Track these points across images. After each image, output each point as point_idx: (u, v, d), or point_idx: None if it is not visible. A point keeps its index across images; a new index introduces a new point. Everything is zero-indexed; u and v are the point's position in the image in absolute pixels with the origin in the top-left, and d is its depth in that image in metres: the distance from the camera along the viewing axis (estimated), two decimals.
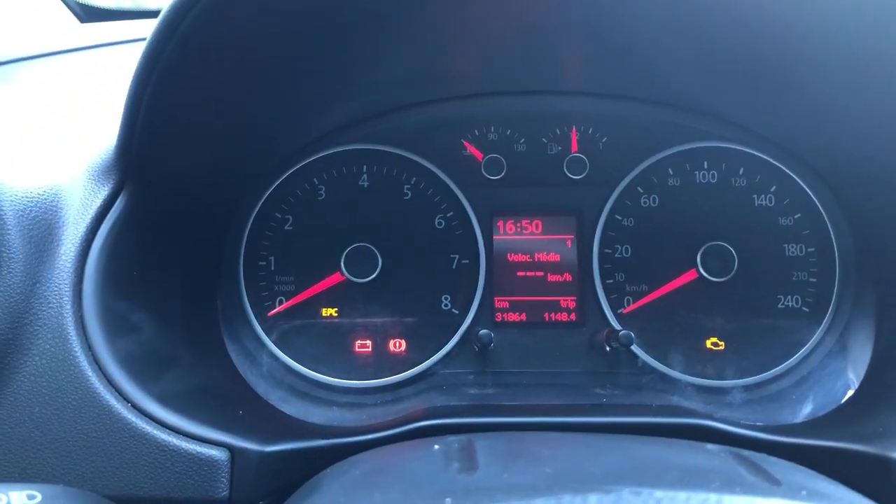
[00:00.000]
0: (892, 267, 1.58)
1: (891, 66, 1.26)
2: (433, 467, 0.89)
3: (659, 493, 0.67)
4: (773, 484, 0.81)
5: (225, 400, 1.39)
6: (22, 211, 1.18)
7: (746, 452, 0.96)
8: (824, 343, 1.65)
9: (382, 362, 1.68)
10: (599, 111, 1.76)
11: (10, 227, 1.16)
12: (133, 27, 1.97)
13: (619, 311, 1.70)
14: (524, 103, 1.77)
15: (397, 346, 1.69)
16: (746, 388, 1.64)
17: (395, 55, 1.51)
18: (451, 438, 1.01)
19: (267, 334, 1.67)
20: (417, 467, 0.91)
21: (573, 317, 1.72)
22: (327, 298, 1.70)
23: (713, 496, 0.68)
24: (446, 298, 1.71)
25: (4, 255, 1.14)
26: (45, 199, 1.22)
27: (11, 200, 1.18)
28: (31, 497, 0.78)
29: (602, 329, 1.66)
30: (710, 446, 0.99)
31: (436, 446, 0.97)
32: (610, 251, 1.72)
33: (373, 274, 1.70)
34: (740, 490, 0.76)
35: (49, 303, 1.15)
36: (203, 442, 1.11)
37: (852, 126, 1.47)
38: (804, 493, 0.79)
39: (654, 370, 1.66)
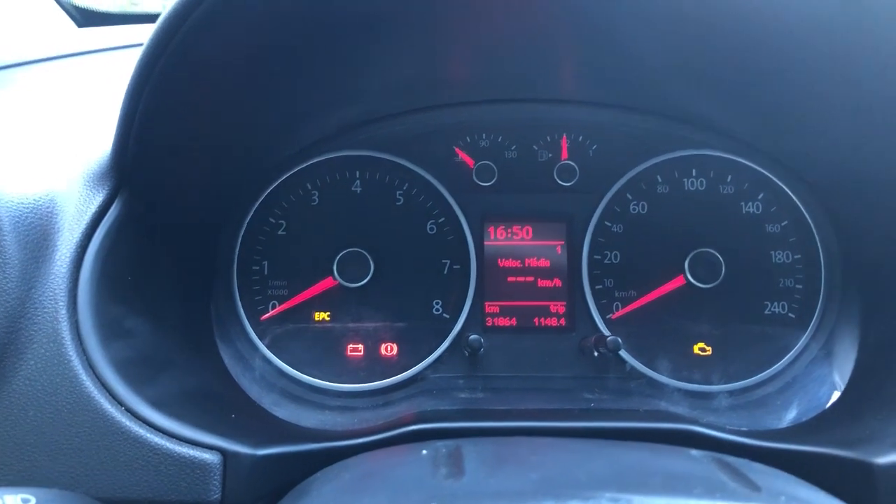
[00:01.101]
0: (876, 274, 1.60)
1: (875, 77, 1.27)
2: (421, 472, 0.90)
3: (637, 500, 0.69)
4: (753, 490, 0.83)
5: (218, 403, 1.39)
6: (17, 216, 1.19)
7: (729, 458, 0.98)
8: (809, 349, 1.68)
9: (374, 366, 1.69)
10: (590, 119, 1.78)
11: (5, 233, 1.16)
12: (130, 32, 1.98)
13: (607, 316, 1.72)
14: (515, 111, 1.79)
15: (389, 350, 1.70)
16: (732, 393, 1.66)
17: (387, 63, 1.51)
18: (440, 444, 1.02)
19: (260, 338, 1.68)
20: (405, 472, 0.92)
21: (563, 322, 1.73)
22: (320, 303, 1.71)
23: (694, 502, 0.70)
24: (437, 303, 1.72)
25: (0, 260, 1.15)
26: (41, 205, 1.23)
27: (7, 206, 1.19)
28: (25, 500, 0.79)
29: (591, 334, 1.69)
30: (694, 452, 1.01)
31: (424, 451, 0.99)
32: (599, 257, 1.74)
33: (365, 279, 1.71)
34: (720, 496, 0.77)
35: (44, 307, 1.16)
36: (195, 445, 1.11)
37: (839, 135, 1.48)
38: (783, 498, 0.80)
39: (641, 375, 1.68)
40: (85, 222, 1.24)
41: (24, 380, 1.13)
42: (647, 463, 0.96)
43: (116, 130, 1.23)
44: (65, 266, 1.19)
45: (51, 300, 1.17)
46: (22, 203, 1.21)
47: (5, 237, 1.16)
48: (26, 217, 1.20)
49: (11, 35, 2.10)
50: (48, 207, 1.23)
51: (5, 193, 1.21)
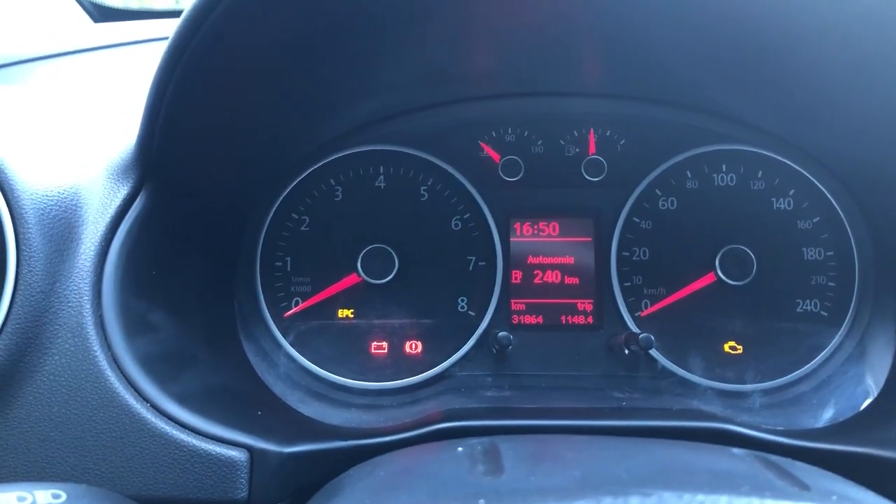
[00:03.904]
0: None
1: None
2: (458, 469, 0.88)
3: (701, 496, 0.66)
4: (802, 489, 0.80)
5: (243, 400, 1.38)
6: (42, 210, 1.18)
7: (772, 457, 0.95)
8: (844, 347, 1.64)
9: (399, 364, 1.67)
10: (617, 113, 1.76)
11: (30, 226, 1.16)
12: (146, 27, 1.97)
13: (636, 314, 1.69)
14: (542, 105, 1.76)
15: (414, 347, 1.68)
16: (766, 392, 1.63)
17: (412, 56, 1.50)
18: (474, 441, 1.00)
19: (283, 335, 1.67)
20: (442, 469, 0.90)
21: (590, 320, 1.71)
22: (344, 299, 1.69)
23: (755, 500, 0.67)
24: (463, 300, 1.70)
25: (25, 253, 1.14)
26: (65, 199, 1.22)
27: (32, 199, 1.18)
28: (55, 496, 0.78)
29: (619, 332, 1.66)
30: (735, 450, 0.98)
31: (459, 448, 0.97)
32: (628, 254, 1.72)
33: (389, 275, 1.69)
34: (771, 494, 0.75)
35: (69, 302, 1.16)
36: (222, 442, 1.10)
37: (872, 129, 1.46)
38: (834, 498, 0.78)
39: (672, 374, 1.65)
40: (109, 216, 1.23)
41: (48, 375, 1.13)
42: (689, 460, 0.94)
43: (141, 124, 1.22)
44: (89, 260, 1.19)
45: (75, 294, 1.16)
46: (47, 196, 1.21)
47: (30, 230, 1.16)
48: (51, 210, 1.20)
49: (29, 30, 2.10)
50: (73, 201, 1.23)
51: (29, 186, 1.20)
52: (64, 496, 0.78)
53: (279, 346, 1.66)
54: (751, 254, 1.68)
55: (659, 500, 0.66)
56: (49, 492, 0.78)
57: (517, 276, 1.72)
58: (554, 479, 0.82)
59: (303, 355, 1.66)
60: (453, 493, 0.78)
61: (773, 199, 1.71)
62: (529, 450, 0.98)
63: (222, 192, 1.53)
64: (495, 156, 1.76)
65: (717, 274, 1.68)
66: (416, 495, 0.80)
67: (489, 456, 0.90)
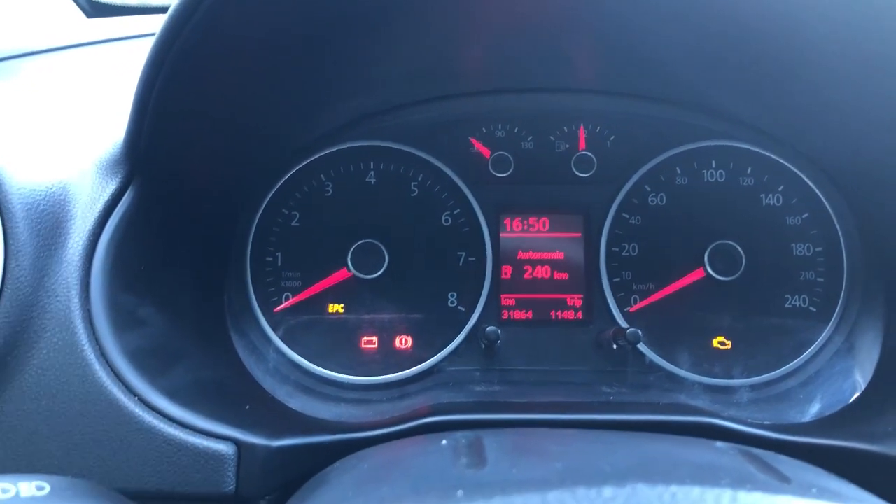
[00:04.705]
0: None
1: None
2: (441, 462, 0.89)
3: (674, 487, 0.67)
4: (782, 481, 0.81)
5: (232, 395, 1.38)
6: (30, 205, 1.18)
7: (755, 450, 0.96)
8: (832, 342, 1.65)
9: (389, 359, 1.67)
10: (608, 109, 1.76)
11: (18, 221, 1.16)
12: (139, 22, 1.97)
13: (625, 309, 1.70)
14: (532, 101, 1.76)
15: (403, 342, 1.68)
16: (753, 387, 1.63)
17: (402, 52, 1.50)
18: (459, 434, 1.00)
19: (273, 330, 1.67)
20: (425, 462, 0.91)
21: (580, 315, 1.71)
22: (334, 295, 1.69)
23: (727, 492, 0.68)
24: (453, 295, 1.70)
25: (13, 248, 1.15)
26: (54, 194, 1.22)
27: (20, 194, 1.18)
28: (39, 488, 0.78)
29: (609, 327, 1.66)
30: (718, 444, 0.99)
31: (443, 441, 0.97)
32: (617, 249, 1.72)
33: (379, 270, 1.69)
34: (750, 487, 0.75)
35: (57, 296, 1.16)
36: (209, 436, 1.11)
37: (861, 126, 1.46)
38: (814, 490, 0.78)
39: (660, 369, 1.66)
40: (98, 210, 1.23)
41: (36, 369, 1.13)
42: (672, 454, 0.94)
43: (130, 117, 1.22)
44: (77, 255, 1.19)
45: (63, 289, 1.16)
46: (34, 191, 1.21)
47: (17, 225, 1.16)
48: (39, 205, 1.20)
49: (21, 25, 2.09)
50: (61, 195, 1.23)
51: (17, 181, 1.20)
52: (48, 488, 0.78)
53: (269, 340, 1.66)
54: (740, 249, 1.68)
55: (633, 490, 0.66)
56: (33, 483, 0.78)
57: (507, 271, 1.73)
58: (535, 471, 0.83)
59: (292, 350, 1.66)
60: (435, 485, 0.78)
61: (763, 195, 1.71)
62: (514, 443, 0.98)
63: (212, 187, 1.53)
64: (485, 151, 1.76)
65: (706, 270, 1.68)
66: (399, 487, 0.80)
67: (473, 449, 0.91)
